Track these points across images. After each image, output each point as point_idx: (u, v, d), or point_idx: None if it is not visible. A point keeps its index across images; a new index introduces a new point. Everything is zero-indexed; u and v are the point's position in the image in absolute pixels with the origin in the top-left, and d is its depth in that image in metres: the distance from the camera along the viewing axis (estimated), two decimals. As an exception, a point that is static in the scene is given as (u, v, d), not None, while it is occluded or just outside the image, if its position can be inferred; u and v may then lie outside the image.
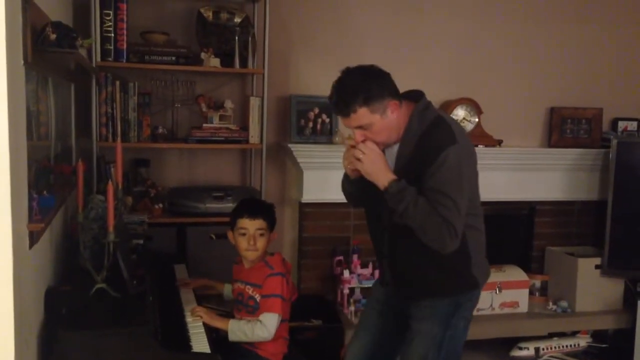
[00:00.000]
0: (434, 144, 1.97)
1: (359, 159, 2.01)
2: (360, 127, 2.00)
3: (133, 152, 3.39)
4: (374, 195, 2.07)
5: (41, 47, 1.77)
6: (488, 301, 3.70)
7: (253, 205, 2.62)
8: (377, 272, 3.43)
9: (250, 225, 2.47)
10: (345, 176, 2.21)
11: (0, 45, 1.44)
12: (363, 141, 2.01)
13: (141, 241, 2.77)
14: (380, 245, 2.22)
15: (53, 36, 1.78)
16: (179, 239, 3.30)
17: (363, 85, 1.96)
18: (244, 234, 2.47)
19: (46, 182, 2.14)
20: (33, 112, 1.98)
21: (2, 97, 1.44)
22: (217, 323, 2.36)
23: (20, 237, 1.60)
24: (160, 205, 3.31)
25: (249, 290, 2.47)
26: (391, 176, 1.99)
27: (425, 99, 2.10)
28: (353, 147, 2.04)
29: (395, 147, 2.08)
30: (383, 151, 2.06)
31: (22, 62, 1.65)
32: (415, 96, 2.10)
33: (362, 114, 1.96)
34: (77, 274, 2.25)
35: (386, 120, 1.99)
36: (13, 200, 1.49)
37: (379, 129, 2.00)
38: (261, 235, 2.47)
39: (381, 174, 2.00)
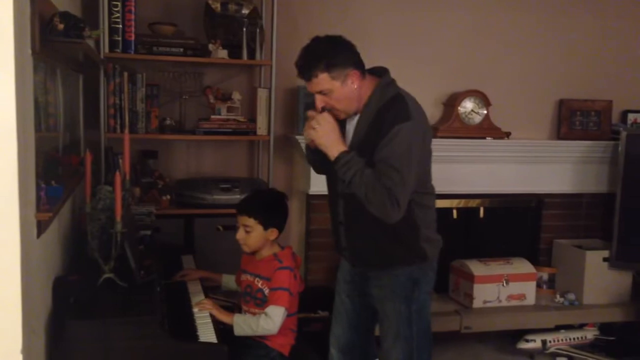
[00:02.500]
0: (388, 118, 2.07)
1: (314, 129, 2.12)
2: (320, 93, 2.11)
3: (141, 143, 3.40)
4: (331, 165, 2.17)
5: (49, 37, 1.77)
6: (495, 293, 3.70)
7: (245, 200, 2.59)
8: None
9: (239, 220, 2.49)
10: (307, 147, 2.34)
11: (8, 35, 1.44)
12: (323, 110, 2.13)
13: (149, 232, 2.78)
14: (336, 213, 2.31)
15: (61, 26, 1.78)
16: (186, 230, 3.32)
17: (327, 52, 2.08)
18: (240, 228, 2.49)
19: (54, 173, 2.16)
20: (42, 103, 2.00)
21: (9, 87, 1.45)
22: (223, 317, 2.36)
23: (28, 226, 1.61)
24: (168, 196, 3.32)
25: (258, 283, 2.48)
26: (341, 148, 2.10)
27: (388, 75, 2.21)
28: (313, 117, 2.15)
29: (356, 118, 2.18)
30: (344, 121, 2.19)
31: (30, 52, 1.65)
32: (380, 72, 2.21)
33: (323, 79, 2.08)
34: (85, 263, 2.26)
35: (346, 88, 2.10)
36: (21, 190, 1.50)
37: (338, 97, 2.11)
38: (247, 232, 2.46)
39: (332, 145, 2.11)
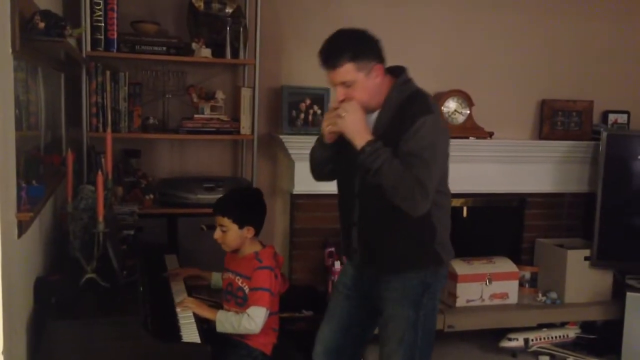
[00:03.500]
0: (411, 112, 2.05)
1: (341, 116, 2.07)
2: (343, 84, 2.07)
3: (124, 142, 3.38)
4: (348, 161, 2.13)
5: (29, 35, 1.75)
6: (478, 292, 3.72)
7: (219, 200, 2.57)
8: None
9: (217, 220, 2.48)
10: (319, 142, 2.27)
11: (-13, 33, 1.42)
12: (344, 100, 2.08)
13: (132, 232, 2.76)
14: (350, 213, 2.25)
15: (42, 24, 1.76)
16: (169, 229, 3.30)
17: (355, 42, 2.07)
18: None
19: (36, 172, 2.14)
20: (23, 101, 1.98)
21: (-11, 85, 1.43)
22: (206, 313, 2.36)
23: (8, 227, 1.59)
24: (151, 195, 3.30)
25: (239, 281, 2.48)
26: (369, 136, 2.05)
27: (406, 74, 2.20)
28: (336, 108, 2.11)
29: (374, 116, 2.15)
30: None
31: (10, 50, 1.63)
32: (397, 71, 2.20)
33: (348, 69, 2.04)
34: (67, 263, 2.25)
35: (370, 81, 2.08)
36: (1, 190, 1.48)
37: (361, 89, 2.07)
38: (223, 231, 2.46)
39: (360, 132, 2.05)
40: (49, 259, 2.31)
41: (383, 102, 2.14)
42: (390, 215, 2.09)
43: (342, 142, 2.13)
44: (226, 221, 2.45)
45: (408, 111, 2.06)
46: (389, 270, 2.23)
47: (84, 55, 3.02)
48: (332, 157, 2.25)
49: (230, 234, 2.45)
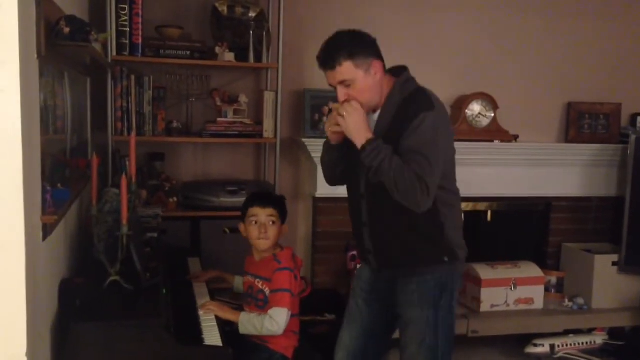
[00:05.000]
0: (412, 109, 2.06)
1: (342, 116, 2.07)
2: (343, 83, 2.08)
3: (148, 146, 3.41)
4: (354, 162, 2.15)
5: (55, 41, 1.78)
6: (503, 297, 3.68)
7: (264, 194, 2.65)
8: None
9: (262, 212, 2.48)
10: (326, 145, 2.28)
11: (13, 39, 1.44)
12: (347, 101, 2.08)
13: (155, 234, 2.79)
14: (359, 215, 2.25)
15: (67, 30, 1.79)
16: (193, 232, 3.32)
17: (351, 41, 2.08)
18: (255, 222, 2.48)
19: (62, 176, 2.16)
20: (50, 106, 2.01)
21: (15, 91, 1.45)
22: (228, 315, 2.37)
23: (33, 230, 1.62)
24: (175, 199, 3.33)
25: (259, 284, 2.48)
26: (369, 135, 2.06)
27: (408, 73, 2.20)
28: (338, 109, 2.11)
29: (375, 115, 2.16)
30: None
31: (36, 56, 1.66)
32: (398, 71, 2.20)
33: (347, 68, 2.05)
34: (91, 266, 2.26)
35: (369, 79, 2.08)
36: (26, 193, 1.50)
37: (362, 87, 2.08)
38: (272, 223, 2.48)
39: (361, 132, 2.06)
40: (74, 262, 2.33)
41: (384, 102, 2.15)
42: (398, 214, 2.09)
43: (349, 143, 2.14)
44: (276, 213, 2.49)
45: (409, 108, 2.07)
46: (403, 268, 2.22)
47: (109, 59, 3.06)
48: (341, 159, 2.26)
49: (276, 227, 2.49)
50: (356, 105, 2.07)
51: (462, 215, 2.28)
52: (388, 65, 2.24)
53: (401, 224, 2.14)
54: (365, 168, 2.08)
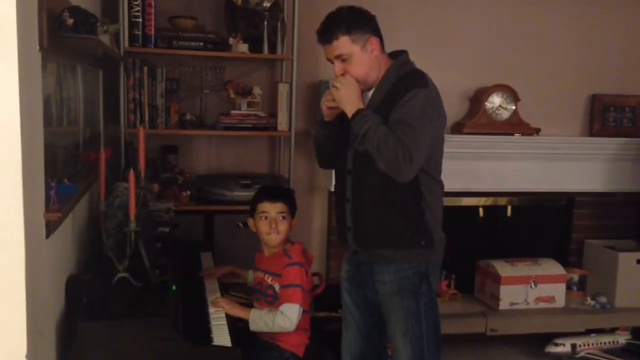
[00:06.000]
0: (405, 85, 2.08)
1: (336, 87, 2.11)
2: (339, 57, 2.12)
3: (161, 138, 3.37)
4: (344, 138, 2.19)
5: (58, 33, 1.73)
6: (522, 295, 3.60)
7: (273, 189, 2.61)
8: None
9: (271, 208, 2.44)
10: (320, 122, 2.30)
11: (11, 30, 1.39)
12: (343, 75, 2.12)
13: (167, 229, 2.74)
14: (343, 191, 2.26)
15: (70, 21, 1.73)
16: (206, 226, 3.28)
17: (348, 16, 2.13)
18: (265, 218, 2.44)
19: (72, 169, 2.13)
20: (61, 99, 1.97)
21: (13, 84, 1.40)
22: (239, 312, 2.33)
23: (35, 227, 1.57)
24: (188, 192, 3.28)
25: (268, 279, 2.43)
26: (360, 106, 2.10)
27: (406, 56, 2.22)
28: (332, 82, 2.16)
29: (370, 93, 2.19)
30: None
31: (38, 48, 1.61)
32: (397, 54, 2.23)
33: (343, 42, 2.10)
34: (101, 262, 2.23)
35: (365, 55, 2.12)
36: (26, 190, 1.46)
37: (358, 62, 2.11)
38: (283, 218, 2.44)
39: (353, 103, 2.10)
40: (83, 258, 2.30)
41: (379, 82, 2.17)
42: (381, 191, 2.12)
43: (342, 122, 2.17)
44: (286, 208, 2.46)
45: (402, 85, 2.09)
46: (381, 251, 2.20)
47: (121, 51, 3.02)
48: (333, 140, 2.26)
49: (286, 222, 2.46)
50: (351, 78, 2.12)
51: (442, 211, 2.27)
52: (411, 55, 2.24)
53: (384, 201, 2.15)
54: (354, 143, 2.12)
